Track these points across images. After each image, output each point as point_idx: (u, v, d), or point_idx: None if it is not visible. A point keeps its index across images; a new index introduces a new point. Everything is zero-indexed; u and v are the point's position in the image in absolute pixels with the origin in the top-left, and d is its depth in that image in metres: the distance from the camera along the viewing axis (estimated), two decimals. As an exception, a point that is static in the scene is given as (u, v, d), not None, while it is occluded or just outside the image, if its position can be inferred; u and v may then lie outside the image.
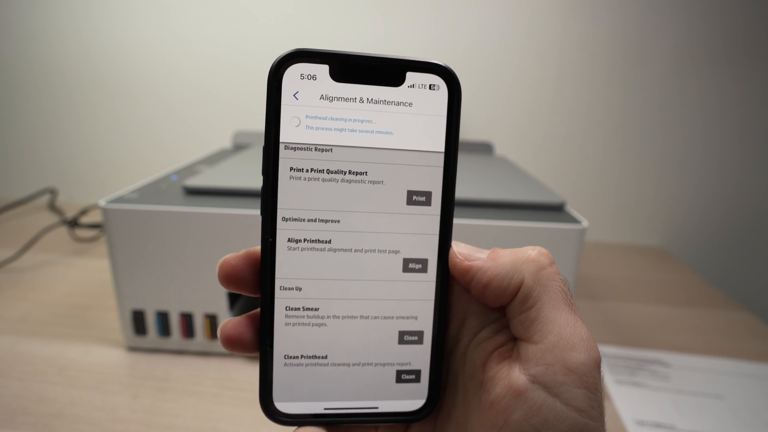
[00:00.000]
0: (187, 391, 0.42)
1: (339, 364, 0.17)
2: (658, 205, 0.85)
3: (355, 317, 0.17)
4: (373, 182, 0.17)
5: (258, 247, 0.17)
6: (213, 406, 0.40)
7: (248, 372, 0.45)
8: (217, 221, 0.42)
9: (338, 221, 0.17)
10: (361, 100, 0.16)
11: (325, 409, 0.17)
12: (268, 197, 0.16)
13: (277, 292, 0.17)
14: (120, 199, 0.44)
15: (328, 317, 0.17)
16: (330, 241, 0.17)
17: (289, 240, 0.17)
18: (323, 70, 0.16)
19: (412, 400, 0.18)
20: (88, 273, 0.64)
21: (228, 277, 0.17)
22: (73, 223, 0.78)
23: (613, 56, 0.79)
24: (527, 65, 0.81)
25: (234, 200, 0.45)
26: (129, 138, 0.90)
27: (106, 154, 0.92)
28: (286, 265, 0.17)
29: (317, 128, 0.16)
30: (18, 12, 0.85)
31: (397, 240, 0.17)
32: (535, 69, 0.81)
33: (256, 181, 0.48)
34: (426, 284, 0.17)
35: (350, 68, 0.16)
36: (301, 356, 0.17)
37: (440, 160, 0.17)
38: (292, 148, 0.16)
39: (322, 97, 0.16)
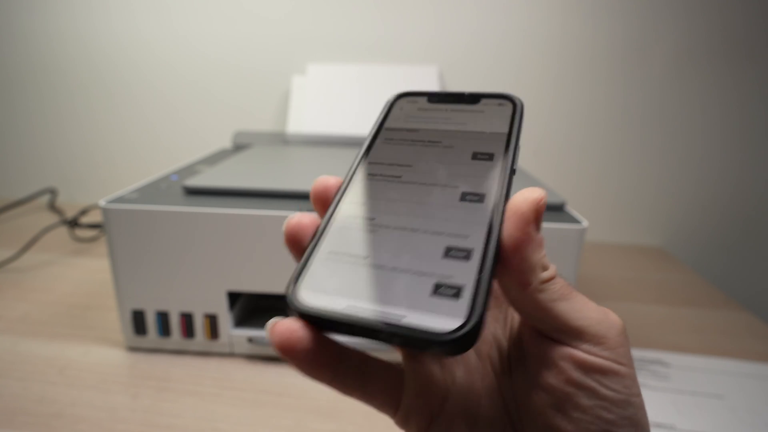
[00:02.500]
0: (187, 391, 0.42)
1: (376, 266, 0.17)
2: (658, 205, 0.85)
3: (405, 229, 0.18)
4: (445, 146, 0.20)
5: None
6: (213, 406, 0.40)
7: (248, 372, 0.45)
8: (217, 221, 0.42)
9: (410, 165, 0.20)
10: (446, 110, 0.22)
11: (347, 307, 0.15)
12: (362, 156, 0.21)
13: (342, 206, 0.19)
14: (120, 199, 0.44)
15: (381, 226, 0.18)
16: (400, 177, 0.20)
17: (368, 174, 0.20)
18: (423, 99, 0.23)
19: (445, 318, 0.15)
20: (88, 273, 0.64)
21: (293, 231, 0.18)
22: (73, 223, 0.78)
23: (613, 56, 0.79)
24: (527, 65, 0.81)
25: (234, 200, 0.45)
26: (129, 138, 0.90)
27: (106, 154, 0.92)
28: (358, 187, 0.20)
29: (412, 119, 0.22)
30: (18, 12, 0.85)
31: (461, 180, 0.19)
32: (534, 69, 0.81)
33: (256, 181, 0.48)
34: (481, 212, 0.18)
35: (441, 97, 0.22)
36: (344, 253, 0.17)
37: (503, 138, 0.20)
38: (390, 129, 0.22)
39: (419, 109, 0.22)
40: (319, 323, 0.16)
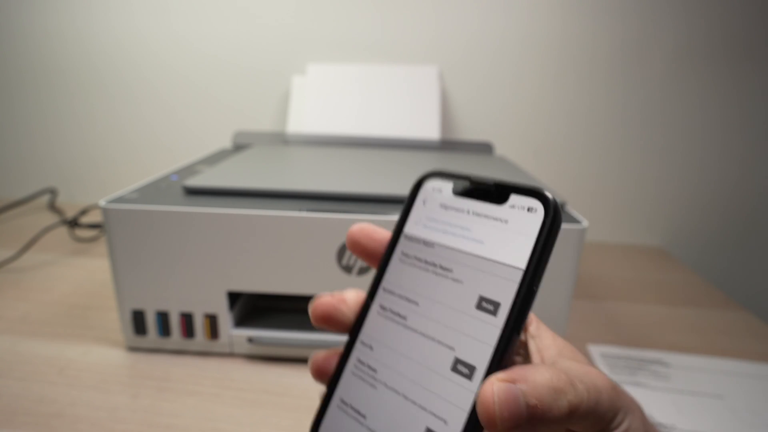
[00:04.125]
0: (187, 391, 0.42)
1: (369, 429, 0.18)
2: (658, 205, 0.85)
3: (398, 393, 0.18)
4: (455, 280, 0.19)
5: (351, 295, 0.21)
6: (213, 406, 0.40)
7: (248, 372, 0.45)
8: (217, 221, 0.42)
9: (417, 303, 0.20)
10: (468, 212, 0.20)
11: None
12: (379, 271, 0.21)
13: (357, 344, 0.20)
14: (120, 199, 0.44)
15: (379, 382, 0.19)
16: (406, 318, 0.20)
17: (380, 306, 0.21)
18: (448, 186, 0.21)
19: None
20: (88, 273, 0.64)
21: (323, 314, 0.21)
22: (73, 223, 0.78)
23: (613, 56, 0.79)
24: (527, 65, 0.81)
25: (234, 200, 0.45)
26: (129, 138, 0.90)
27: (106, 154, 0.92)
28: (371, 325, 0.20)
29: (430, 228, 0.21)
30: (18, 12, 0.85)
31: (457, 338, 0.18)
32: (535, 69, 0.81)
33: (256, 181, 0.48)
34: (466, 392, 0.17)
35: (467, 189, 0.20)
36: (350, 406, 0.19)
37: (518, 276, 0.17)
38: (408, 238, 0.21)
39: (441, 206, 0.21)
40: None
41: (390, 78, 0.79)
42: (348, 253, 0.43)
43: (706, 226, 0.85)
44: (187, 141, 0.89)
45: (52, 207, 0.89)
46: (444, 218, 0.20)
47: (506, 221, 0.19)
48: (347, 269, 0.44)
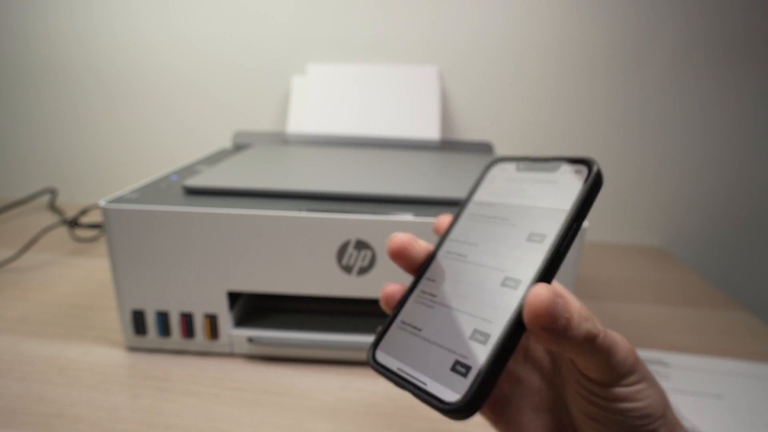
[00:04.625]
0: (187, 391, 0.42)
1: (424, 338, 0.21)
2: (658, 205, 0.85)
3: (452, 308, 0.21)
4: (511, 225, 0.22)
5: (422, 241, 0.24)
6: (213, 406, 0.40)
7: (248, 372, 0.45)
8: (217, 221, 0.42)
9: (477, 245, 0.23)
10: (527, 180, 0.23)
11: (398, 368, 0.21)
12: (448, 230, 0.24)
13: (422, 280, 0.23)
14: (120, 199, 0.44)
15: (437, 303, 0.22)
16: (466, 256, 0.22)
17: (446, 251, 0.23)
18: (512, 166, 0.24)
19: (452, 391, 0.19)
20: (88, 273, 0.64)
21: (400, 250, 0.23)
22: (73, 223, 0.78)
23: (613, 56, 0.79)
24: (527, 65, 0.81)
25: (234, 200, 0.45)
26: (129, 138, 0.90)
27: (106, 154, 0.92)
28: (435, 266, 0.23)
29: (495, 194, 0.24)
30: (18, 12, 0.85)
31: (507, 263, 0.21)
32: (534, 69, 0.81)
33: (256, 181, 0.48)
34: (511, 299, 0.19)
35: (528, 164, 0.24)
36: (409, 324, 0.22)
37: (562, 215, 0.20)
38: (476, 203, 0.24)
39: (506, 179, 0.24)
40: (382, 375, 0.21)
41: (390, 78, 0.79)
42: (348, 253, 0.43)
43: (706, 226, 0.85)
44: (187, 141, 0.89)
45: (52, 207, 0.89)
46: (508, 187, 0.24)
47: (557, 182, 0.22)
48: (347, 269, 0.44)
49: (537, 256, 0.20)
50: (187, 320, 0.46)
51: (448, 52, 0.81)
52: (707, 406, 0.43)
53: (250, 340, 0.46)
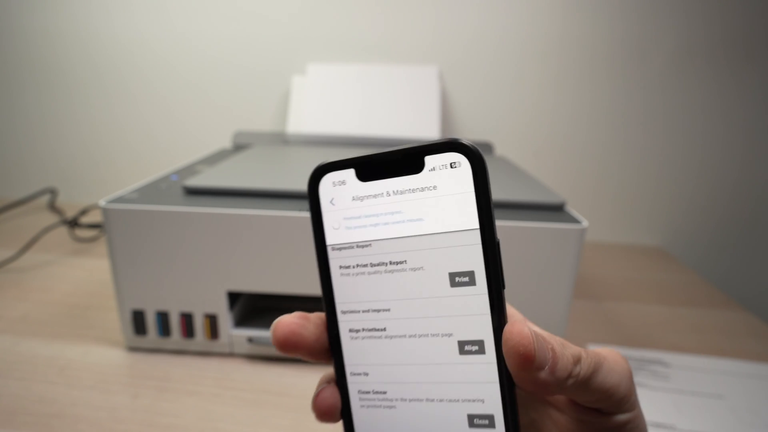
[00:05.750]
0: (187, 391, 0.42)
1: None
2: (658, 205, 0.85)
3: (421, 400, 0.17)
4: (414, 269, 0.17)
5: (314, 314, 0.19)
6: (213, 406, 0.40)
7: (248, 372, 0.45)
8: (217, 221, 0.42)
9: (389, 309, 0.18)
10: (388, 194, 0.17)
11: None
12: (326, 295, 0.18)
13: (349, 378, 0.18)
14: (120, 199, 0.44)
15: (396, 399, 0.18)
16: (385, 329, 0.18)
17: (349, 330, 0.18)
18: (350, 174, 0.18)
19: None
20: (88, 273, 0.64)
21: (287, 340, 0.18)
22: (73, 223, 0.78)
23: (613, 56, 0.79)
24: (527, 65, 0.81)
25: (234, 200, 0.45)
26: (129, 138, 0.90)
27: (106, 154, 0.92)
28: (352, 353, 0.18)
29: (355, 227, 0.18)
30: (18, 11, 0.85)
31: (449, 323, 0.17)
32: (535, 69, 0.81)
33: (256, 181, 0.48)
34: (486, 366, 0.17)
35: (371, 168, 0.17)
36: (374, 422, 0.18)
37: (477, 237, 0.16)
38: (338, 249, 0.18)
39: (353, 198, 0.18)
40: None
41: (390, 78, 0.79)
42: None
43: (706, 226, 0.85)
44: (187, 141, 0.89)
45: (52, 207, 0.89)
46: (364, 211, 0.17)
47: (434, 187, 0.16)
48: (347, 269, 0.44)
49: (479, 302, 0.16)
50: (187, 320, 0.46)
51: (448, 52, 0.81)
52: (707, 406, 0.43)
53: (250, 340, 0.46)
